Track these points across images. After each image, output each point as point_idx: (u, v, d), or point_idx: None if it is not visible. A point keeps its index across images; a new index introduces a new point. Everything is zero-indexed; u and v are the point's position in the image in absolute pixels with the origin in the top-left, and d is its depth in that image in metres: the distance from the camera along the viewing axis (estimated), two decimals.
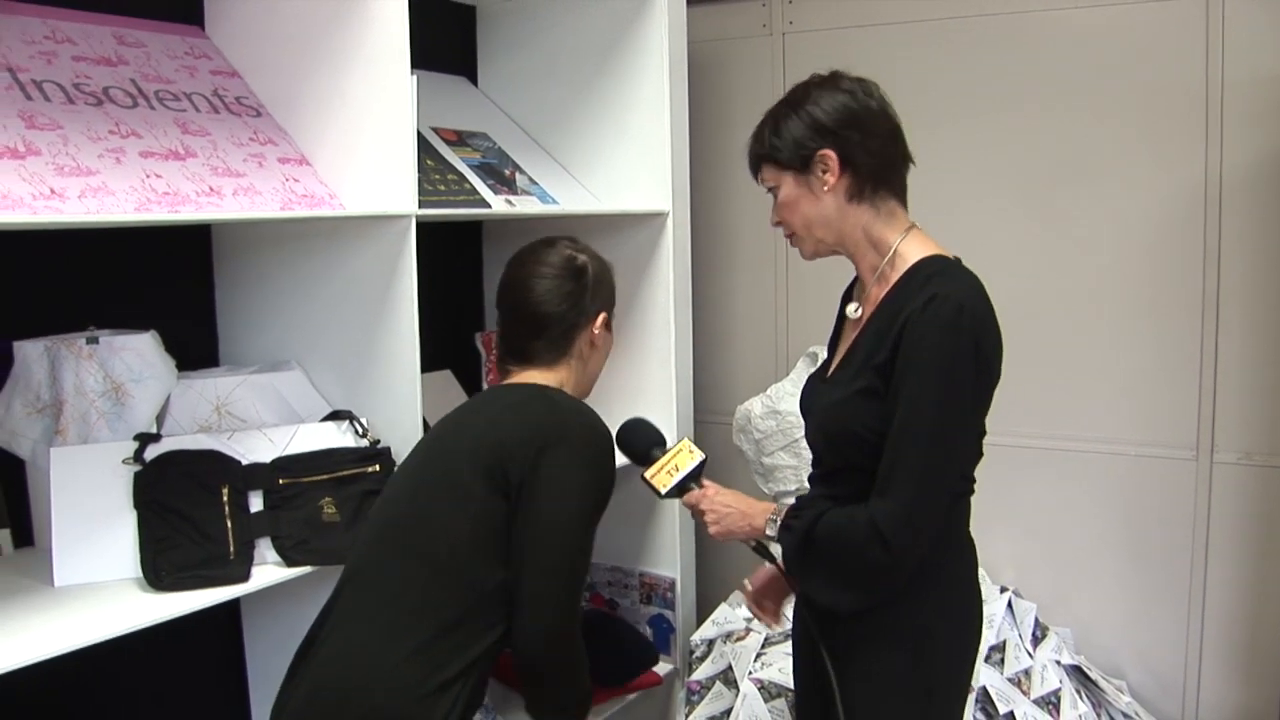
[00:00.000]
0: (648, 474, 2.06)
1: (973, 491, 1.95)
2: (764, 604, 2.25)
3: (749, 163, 1.99)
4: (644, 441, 2.14)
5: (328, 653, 1.84)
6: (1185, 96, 2.92)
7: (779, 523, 1.93)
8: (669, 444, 2.12)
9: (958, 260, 1.89)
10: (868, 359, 1.85)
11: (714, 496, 2.03)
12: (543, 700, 1.94)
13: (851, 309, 1.99)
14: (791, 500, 2.04)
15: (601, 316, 2.11)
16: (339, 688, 1.80)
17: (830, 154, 1.86)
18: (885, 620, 1.90)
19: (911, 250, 1.90)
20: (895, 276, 1.89)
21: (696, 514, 2.06)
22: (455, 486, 1.88)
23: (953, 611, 1.95)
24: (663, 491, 2.05)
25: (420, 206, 2.28)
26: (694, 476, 2.06)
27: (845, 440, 1.88)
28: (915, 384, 1.76)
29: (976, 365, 1.78)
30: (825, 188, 1.88)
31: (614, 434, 2.06)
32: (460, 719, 1.81)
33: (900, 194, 1.94)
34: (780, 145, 1.90)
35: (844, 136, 1.87)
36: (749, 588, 2.25)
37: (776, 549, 1.98)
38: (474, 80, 3.25)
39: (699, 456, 2.07)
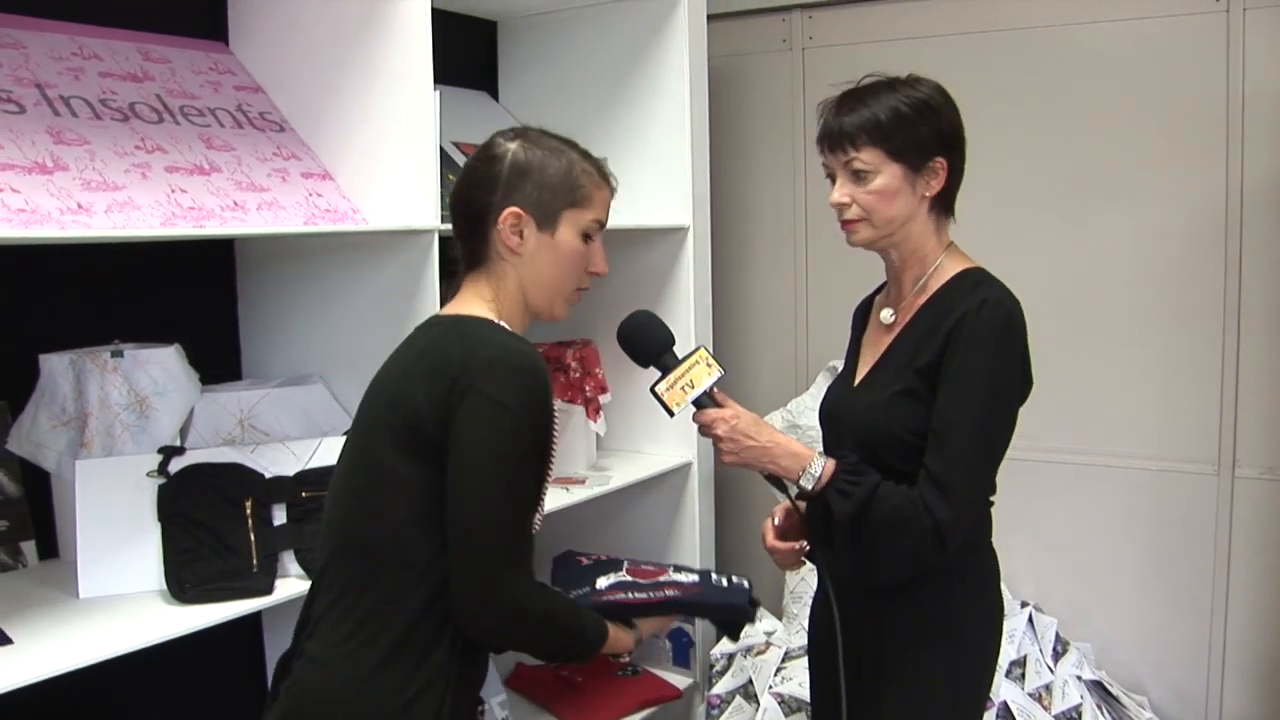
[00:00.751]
0: (659, 389, 1.87)
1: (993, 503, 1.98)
2: (783, 544, 2.09)
3: (840, 134, 1.89)
4: (653, 343, 1.92)
5: (301, 669, 1.69)
6: (1206, 109, 2.92)
7: (821, 478, 1.86)
8: (678, 349, 1.93)
9: None
10: (908, 362, 1.88)
11: (734, 424, 1.89)
12: (532, 653, 1.89)
13: (886, 314, 1.99)
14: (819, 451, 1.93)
15: (508, 212, 1.73)
16: (316, 709, 1.64)
17: (944, 164, 1.88)
18: (914, 624, 1.91)
19: (953, 263, 1.94)
20: (936, 286, 1.92)
21: (708, 433, 1.91)
22: (380, 468, 1.65)
23: (981, 617, 1.97)
24: (675, 411, 1.89)
25: (443, 221, 2.29)
26: (709, 393, 1.89)
27: (883, 443, 1.87)
28: (970, 381, 1.80)
29: (1022, 372, 1.86)
30: (927, 193, 1.89)
31: (619, 329, 1.93)
32: (454, 706, 1.66)
33: (952, 214, 1.98)
34: (902, 136, 1.86)
35: (955, 150, 1.90)
36: (775, 523, 2.09)
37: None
38: (495, 95, 3.26)
39: (716, 372, 1.89)
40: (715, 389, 1.89)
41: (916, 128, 1.86)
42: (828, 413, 2.05)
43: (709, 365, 1.88)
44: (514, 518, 1.64)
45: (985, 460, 1.84)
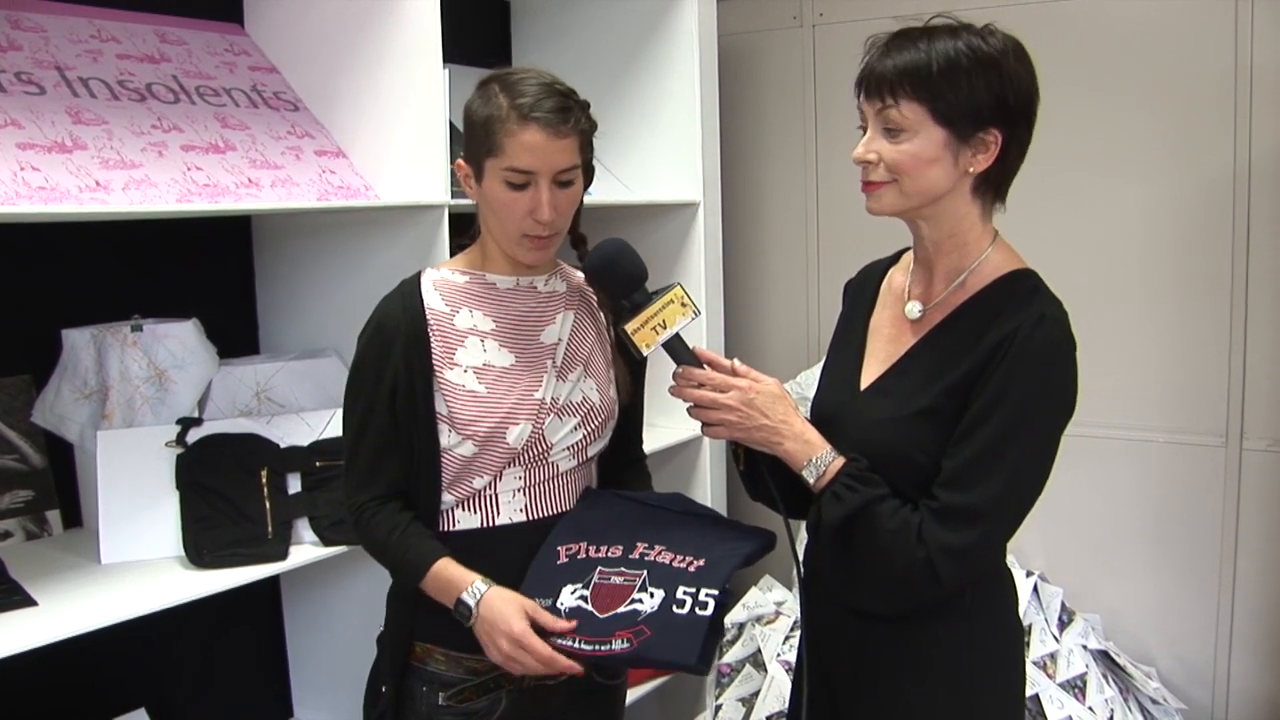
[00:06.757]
0: (628, 328, 1.67)
1: None
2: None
3: (880, 77, 1.58)
4: (622, 279, 1.72)
5: None
6: (1215, 82, 2.93)
7: (825, 474, 1.60)
8: (650, 284, 1.73)
9: None
10: (937, 374, 1.60)
11: (752, 397, 1.64)
12: None
13: (913, 308, 1.69)
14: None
15: (457, 164, 1.80)
16: None
17: (999, 137, 1.56)
18: (912, 664, 1.65)
19: (1001, 260, 1.66)
20: (978, 285, 1.64)
21: (701, 396, 1.67)
22: None
23: (994, 651, 1.70)
24: (645, 352, 1.69)
25: (453, 197, 2.33)
26: (682, 339, 1.70)
27: (893, 464, 1.60)
28: (1018, 412, 1.53)
29: (1072, 401, 1.62)
30: (970, 168, 1.58)
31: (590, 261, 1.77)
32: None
33: (1004, 201, 1.68)
34: (954, 97, 1.54)
35: (1017, 124, 1.58)
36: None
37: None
38: None
39: (691, 313, 1.69)
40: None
41: (974, 89, 1.54)
42: (826, 415, 1.73)
43: (684, 305, 1.69)
44: (346, 443, 1.80)
45: (1022, 494, 1.57)
